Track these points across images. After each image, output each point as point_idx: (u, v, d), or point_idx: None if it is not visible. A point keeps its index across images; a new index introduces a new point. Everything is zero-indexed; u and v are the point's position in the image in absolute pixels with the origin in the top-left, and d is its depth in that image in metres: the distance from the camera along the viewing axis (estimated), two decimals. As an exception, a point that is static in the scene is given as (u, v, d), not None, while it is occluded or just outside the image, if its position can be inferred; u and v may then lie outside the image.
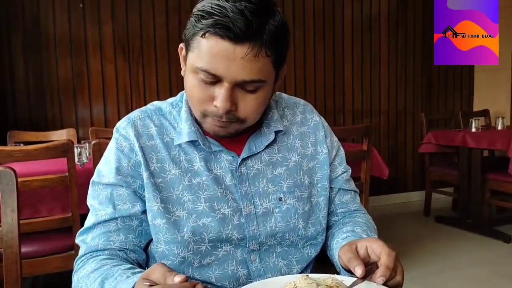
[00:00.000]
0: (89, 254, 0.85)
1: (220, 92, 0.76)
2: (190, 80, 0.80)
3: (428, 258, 3.01)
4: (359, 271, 0.71)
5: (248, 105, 0.79)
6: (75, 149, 2.17)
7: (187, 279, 0.62)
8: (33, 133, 3.09)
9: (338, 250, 0.82)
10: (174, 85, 3.78)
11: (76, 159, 2.18)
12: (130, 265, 0.80)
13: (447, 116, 4.51)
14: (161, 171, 0.86)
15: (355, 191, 1.03)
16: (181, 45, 0.84)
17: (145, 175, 0.85)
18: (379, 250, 0.73)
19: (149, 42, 3.72)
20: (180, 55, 0.86)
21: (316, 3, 4.23)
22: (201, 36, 0.74)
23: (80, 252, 0.87)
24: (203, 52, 0.75)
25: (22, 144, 2.56)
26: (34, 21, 3.42)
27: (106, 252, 0.84)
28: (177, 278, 0.62)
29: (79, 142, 2.92)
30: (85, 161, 2.24)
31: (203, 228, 0.84)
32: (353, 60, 4.41)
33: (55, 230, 1.93)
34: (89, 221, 0.87)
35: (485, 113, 4.37)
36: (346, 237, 0.88)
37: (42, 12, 3.43)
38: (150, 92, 3.72)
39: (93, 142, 1.86)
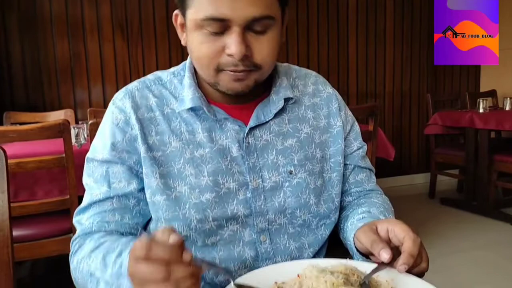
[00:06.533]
0: (84, 235, 0.80)
1: (232, 38, 0.70)
2: (195, 39, 0.73)
3: (433, 241, 2.97)
4: (386, 255, 0.64)
5: (263, 48, 0.73)
6: (73, 130, 2.12)
7: (183, 242, 0.56)
8: (30, 114, 3.03)
9: (353, 232, 0.76)
10: (174, 66, 3.69)
11: (74, 140, 2.12)
12: (131, 237, 0.76)
13: (453, 97, 4.42)
14: (161, 144, 0.80)
15: (370, 170, 0.96)
16: (176, 12, 0.78)
17: (142, 149, 0.79)
18: (402, 235, 0.66)
19: (148, 22, 3.62)
20: (176, 24, 0.80)
21: (320, -19, 4.12)
22: None
23: (76, 233, 0.82)
24: (204, 1, 0.69)
25: (18, 125, 2.49)
26: (30, 0, 3.32)
27: (101, 232, 0.79)
28: (171, 239, 0.55)
29: (77, 123, 2.86)
30: (82, 142, 2.19)
31: (206, 205, 0.78)
32: (357, 40, 4.31)
33: (52, 213, 1.88)
34: (84, 200, 0.82)
35: (492, 93, 4.29)
36: (362, 218, 0.81)
37: (37, -10, 3.33)
38: (150, 72, 3.57)
39: (90, 122, 1.81)
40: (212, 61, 0.73)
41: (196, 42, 0.74)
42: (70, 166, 1.80)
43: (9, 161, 1.64)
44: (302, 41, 4.11)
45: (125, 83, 3.70)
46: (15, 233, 1.80)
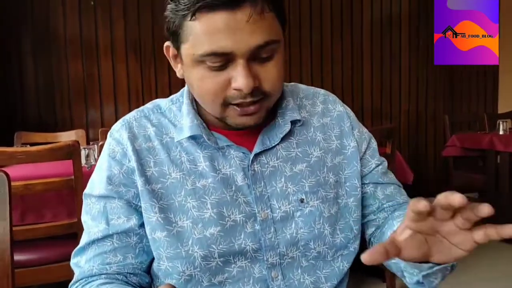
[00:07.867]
0: (84, 279, 0.74)
1: (237, 71, 0.64)
2: (196, 74, 0.67)
3: (455, 270, 2.84)
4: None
5: (270, 75, 0.67)
6: (83, 151, 2.08)
7: None
8: (41, 134, 3.01)
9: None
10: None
11: (84, 161, 2.08)
12: None
13: (470, 118, 4.32)
14: (160, 175, 0.74)
15: (398, 185, 0.88)
16: (167, 43, 0.73)
17: (139, 181, 0.73)
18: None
19: (161, 42, 3.58)
20: (168, 56, 0.75)
21: (334, 4, 4.10)
22: (191, 20, 0.63)
23: (74, 277, 0.76)
24: (201, 36, 0.63)
25: (28, 145, 2.47)
26: (44, 21, 3.36)
27: (103, 276, 0.73)
28: None
29: (88, 143, 2.83)
30: (93, 163, 2.14)
31: (211, 240, 0.71)
32: (372, 60, 4.26)
33: (60, 237, 1.82)
34: (82, 240, 0.76)
35: (511, 115, 4.18)
36: (399, 220, 0.72)
37: (52, 12, 3.37)
38: (162, 93, 3.62)
39: (101, 143, 1.77)
40: (218, 97, 0.68)
41: (196, 77, 0.68)
42: (79, 188, 1.75)
43: (17, 183, 1.60)
44: (316, 60, 4.08)
45: (138, 103, 3.68)
46: (20, 257, 1.75)
